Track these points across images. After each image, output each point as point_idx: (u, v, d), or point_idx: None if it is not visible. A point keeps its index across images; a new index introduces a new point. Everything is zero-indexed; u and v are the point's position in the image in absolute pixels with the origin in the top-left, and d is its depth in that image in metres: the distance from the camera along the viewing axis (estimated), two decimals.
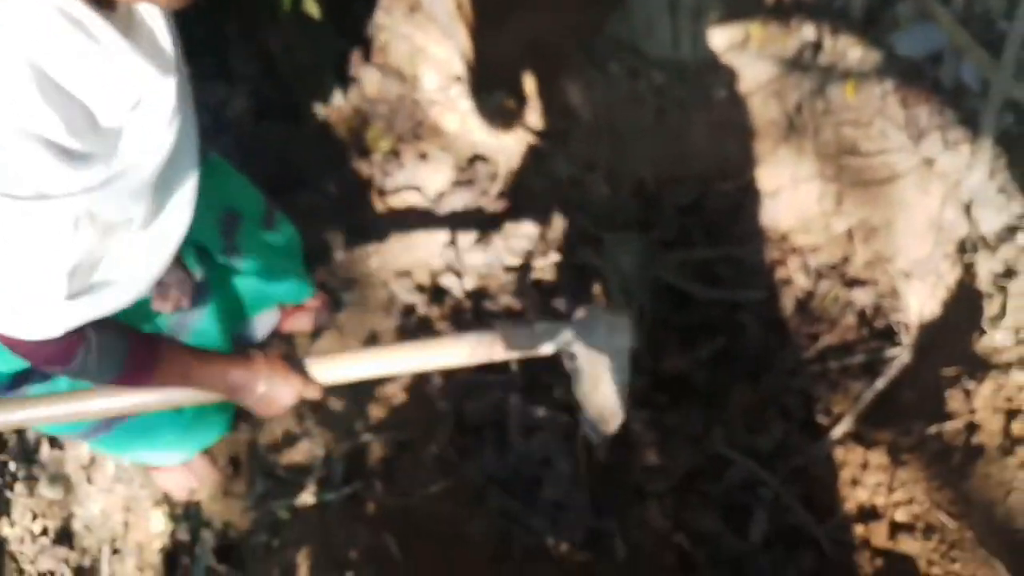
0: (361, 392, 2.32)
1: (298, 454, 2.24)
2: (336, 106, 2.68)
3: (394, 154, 2.66)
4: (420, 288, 2.47)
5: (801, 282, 2.42)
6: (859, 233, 2.34)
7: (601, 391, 1.62)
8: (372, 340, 2.38)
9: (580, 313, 1.61)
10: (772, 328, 2.38)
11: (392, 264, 2.50)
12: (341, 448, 2.24)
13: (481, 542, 2.13)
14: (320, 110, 2.67)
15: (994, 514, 1.89)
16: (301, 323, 2.31)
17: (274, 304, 2.10)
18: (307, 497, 2.17)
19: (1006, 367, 1.95)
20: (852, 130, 2.22)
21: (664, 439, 2.28)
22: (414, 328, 2.43)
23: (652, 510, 2.19)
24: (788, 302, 2.40)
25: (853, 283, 2.36)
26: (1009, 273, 2.01)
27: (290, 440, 2.25)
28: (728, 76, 2.43)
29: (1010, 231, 2.04)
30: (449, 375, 2.29)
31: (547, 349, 1.61)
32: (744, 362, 2.35)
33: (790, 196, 2.44)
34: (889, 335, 2.28)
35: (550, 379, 2.27)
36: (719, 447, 2.20)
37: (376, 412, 2.31)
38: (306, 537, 2.18)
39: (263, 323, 2.10)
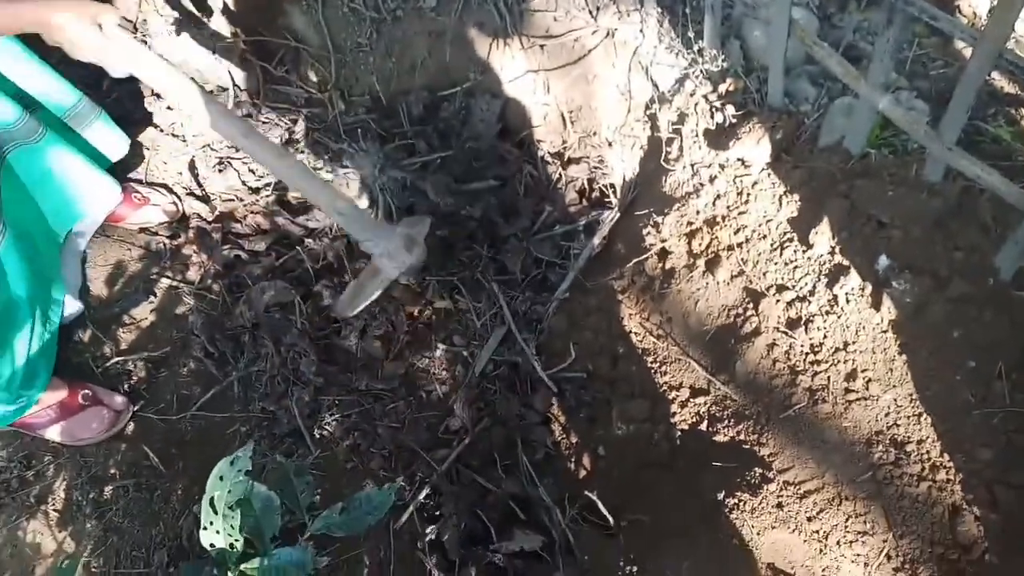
0: (108, 320, 2.35)
1: None
2: None
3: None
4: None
5: (527, 170, 2.62)
6: (568, 115, 2.56)
7: (367, 288, 2.08)
8: (119, 269, 2.41)
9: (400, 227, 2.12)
10: (505, 209, 2.57)
11: None
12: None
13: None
14: None
15: (688, 323, 2.13)
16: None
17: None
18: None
19: (685, 197, 2.21)
20: (542, 16, 2.43)
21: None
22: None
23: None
24: (517, 186, 2.60)
25: (570, 163, 2.58)
26: (682, 118, 2.27)
27: None
28: None
29: (679, 83, 2.30)
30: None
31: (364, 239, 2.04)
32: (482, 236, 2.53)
33: (507, 93, 2.63)
34: (602, 200, 2.52)
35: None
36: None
37: (126, 336, 2.33)
38: (62, 464, 2.19)
39: None
